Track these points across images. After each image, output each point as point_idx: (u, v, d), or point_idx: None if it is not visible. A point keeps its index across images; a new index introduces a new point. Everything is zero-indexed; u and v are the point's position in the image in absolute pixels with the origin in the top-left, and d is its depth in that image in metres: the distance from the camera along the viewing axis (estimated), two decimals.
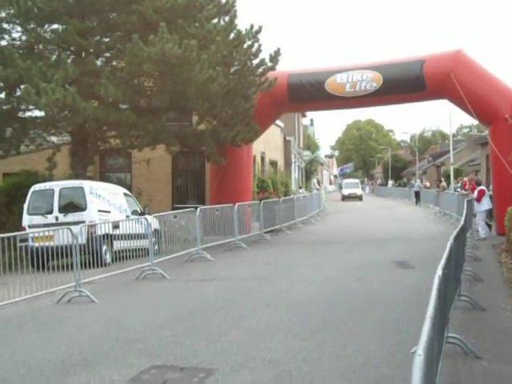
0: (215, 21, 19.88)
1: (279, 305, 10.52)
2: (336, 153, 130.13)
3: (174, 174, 27.02)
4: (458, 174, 44.15)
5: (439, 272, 5.17)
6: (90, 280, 12.60)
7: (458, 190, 31.35)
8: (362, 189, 71.82)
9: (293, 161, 45.59)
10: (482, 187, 20.94)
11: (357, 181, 71.96)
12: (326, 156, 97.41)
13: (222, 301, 11.06)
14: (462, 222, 10.84)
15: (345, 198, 59.52)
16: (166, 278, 13.84)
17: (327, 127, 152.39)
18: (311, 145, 61.06)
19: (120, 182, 24.15)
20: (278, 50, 20.77)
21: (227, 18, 20.00)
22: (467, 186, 23.74)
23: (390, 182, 73.84)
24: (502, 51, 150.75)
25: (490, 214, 20.83)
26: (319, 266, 15.13)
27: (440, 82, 21.04)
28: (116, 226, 15.08)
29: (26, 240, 11.36)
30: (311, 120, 71.42)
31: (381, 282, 12.40)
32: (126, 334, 8.81)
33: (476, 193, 20.46)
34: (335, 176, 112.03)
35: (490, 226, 20.62)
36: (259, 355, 7.40)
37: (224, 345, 7.96)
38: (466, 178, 28.00)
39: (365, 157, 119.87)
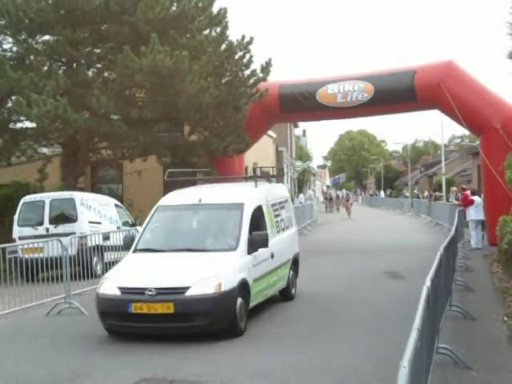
0: (207, 32, 19.86)
1: (268, 315, 10.48)
2: (329, 163, 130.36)
3: (165, 185, 26.89)
4: (450, 184, 44.25)
5: (428, 283, 5.16)
6: (80, 292, 12.55)
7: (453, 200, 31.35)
8: (356, 200, 71.41)
9: (285, 171, 45.59)
10: (474, 197, 20.96)
11: (346, 192, 71.66)
12: (318, 166, 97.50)
13: None
14: (452, 233, 10.85)
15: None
16: None
17: (320, 137, 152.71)
18: (303, 155, 61.08)
19: (111, 193, 24.05)
20: (270, 60, 20.79)
21: (218, 29, 20.01)
22: (455, 195, 23.80)
23: (382, 193, 73.91)
24: (492, 62, 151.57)
25: (482, 224, 20.86)
26: (310, 277, 15.06)
27: (431, 92, 21.09)
28: (106, 237, 15.01)
29: (15, 252, 11.28)
30: (304, 131, 71.65)
31: (371, 292, 12.39)
32: (116, 346, 8.76)
33: (462, 197, 20.62)
34: (328, 186, 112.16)
35: (482, 237, 20.67)
36: (248, 367, 7.37)
37: (213, 357, 7.92)
38: (455, 188, 28.04)
39: (357, 167, 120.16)
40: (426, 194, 45.18)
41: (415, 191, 53.50)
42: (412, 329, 3.68)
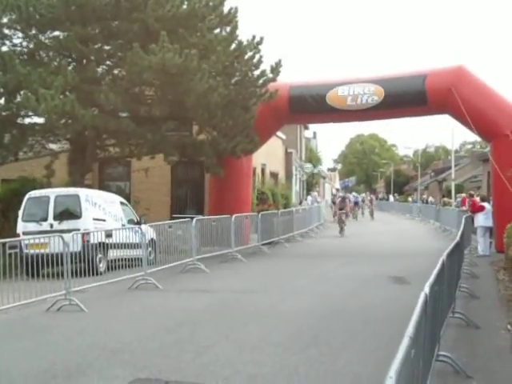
0: (217, 31, 19.83)
1: (270, 318, 10.38)
2: (339, 166, 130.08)
3: (173, 183, 26.89)
4: (460, 190, 44.02)
5: (426, 289, 5.03)
6: (81, 288, 12.46)
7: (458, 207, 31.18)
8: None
9: (294, 173, 45.48)
10: (484, 203, 20.79)
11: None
12: (328, 169, 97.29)
13: (213, 312, 10.94)
14: (457, 239, 10.70)
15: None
16: (158, 288, 13.70)
17: (330, 140, 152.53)
18: (313, 158, 60.93)
19: (119, 191, 24.05)
20: (279, 61, 20.69)
21: (228, 29, 19.94)
22: (466, 203, 23.59)
23: (392, 197, 73.62)
24: (503, 67, 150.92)
25: (490, 230, 20.69)
26: (314, 280, 14.99)
27: (441, 97, 20.95)
28: (109, 234, 14.95)
29: (15, 247, 11.23)
30: (314, 133, 71.24)
31: (375, 297, 12.26)
32: (113, 344, 8.68)
33: (470, 203, 20.53)
34: (337, 189, 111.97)
35: (490, 243, 20.50)
36: (245, 369, 7.27)
37: (211, 358, 7.82)
38: (464, 195, 27.82)
39: (367, 171, 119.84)
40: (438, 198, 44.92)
41: (424, 196, 53.23)
42: (404, 336, 3.58)
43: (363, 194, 61.64)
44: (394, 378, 2.83)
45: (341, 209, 32.35)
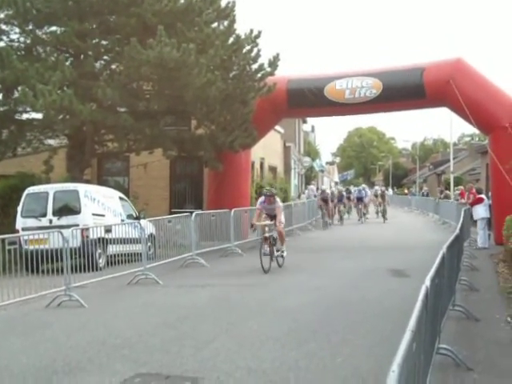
0: (214, 25, 19.77)
1: (270, 312, 10.38)
2: (337, 159, 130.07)
3: (171, 178, 26.88)
4: (459, 182, 43.98)
5: (427, 282, 5.03)
6: (81, 284, 12.47)
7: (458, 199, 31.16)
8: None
9: (292, 167, 45.46)
10: (481, 195, 20.80)
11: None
12: (327, 163, 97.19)
13: (213, 307, 10.94)
14: (457, 231, 10.70)
15: None
16: (158, 283, 13.71)
17: (329, 134, 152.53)
18: (311, 152, 60.89)
19: (118, 186, 24.01)
20: (277, 55, 20.66)
21: (226, 23, 19.91)
22: (465, 196, 23.55)
23: (390, 190, 73.61)
24: (502, 59, 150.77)
25: (488, 223, 20.70)
26: (314, 273, 14.99)
27: (440, 89, 20.92)
28: (108, 229, 14.94)
29: (15, 243, 11.22)
30: (312, 126, 71.26)
31: (375, 290, 12.25)
32: (113, 339, 8.68)
33: (471, 197, 20.55)
34: (336, 183, 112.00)
35: (489, 236, 20.51)
36: (246, 364, 7.27)
37: (211, 352, 7.82)
38: (462, 187, 27.77)
39: (366, 164, 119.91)
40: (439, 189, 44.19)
41: (426, 188, 52.94)
42: (406, 330, 3.57)
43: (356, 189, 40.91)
44: (397, 371, 2.83)
45: (324, 201, 30.78)
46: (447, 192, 38.58)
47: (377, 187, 47.07)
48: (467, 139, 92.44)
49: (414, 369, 3.83)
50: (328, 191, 34.15)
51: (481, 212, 20.05)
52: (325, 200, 31.31)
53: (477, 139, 70.13)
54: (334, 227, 31.19)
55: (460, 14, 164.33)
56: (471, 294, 11.61)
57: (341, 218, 33.46)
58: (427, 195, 47.37)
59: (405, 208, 51.76)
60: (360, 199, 35.46)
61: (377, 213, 36.41)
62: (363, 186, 39.54)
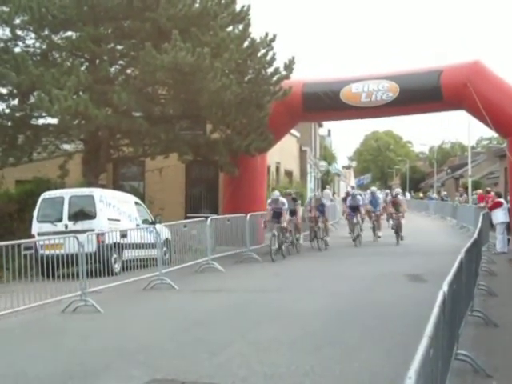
0: (229, 29, 19.78)
1: (285, 317, 10.29)
2: (354, 163, 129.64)
3: (187, 183, 26.86)
4: (477, 186, 43.64)
5: (445, 288, 4.93)
6: (97, 289, 12.44)
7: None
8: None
9: (308, 171, 45.31)
10: (500, 199, 20.58)
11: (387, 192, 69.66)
12: (343, 167, 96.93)
13: (228, 312, 10.87)
14: (475, 236, 10.56)
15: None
16: (174, 288, 13.65)
17: (345, 138, 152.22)
18: (328, 156, 60.71)
19: (133, 191, 24.02)
20: (293, 58, 20.58)
21: (241, 27, 19.89)
22: (484, 200, 23.33)
23: (408, 194, 73.12)
24: None
25: (507, 227, 20.47)
26: (330, 278, 14.88)
27: (457, 92, 20.75)
28: (124, 234, 14.93)
29: (30, 248, 11.24)
30: (328, 130, 71.02)
31: (392, 295, 12.12)
32: (129, 345, 8.64)
33: (490, 201, 20.35)
34: (352, 187, 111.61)
35: (508, 240, 20.28)
36: (261, 369, 7.19)
37: (227, 358, 7.75)
38: (480, 191, 27.51)
39: (383, 168, 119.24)
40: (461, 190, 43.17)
41: (445, 192, 52.38)
42: (423, 336, 3.48)
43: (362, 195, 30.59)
44: (414, 378, 2.75)
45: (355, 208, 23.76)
46: (466, 196, 38.30)
47: (387, 190, 39.19)
48: (485, 142, 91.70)
49: (432, 375, 3.74)
50: (359, 197, 25.77)
51: (500, 216, 19.83)
52: (355, 208, 24.26)
53: (495, 142, 69.48)
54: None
55: (477, 17, 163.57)
56: (490, 299, 11.45)
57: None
58: (446, 199, 47.02)
59: (422, 212, 51.37)
60: (354, 208, 24.28)
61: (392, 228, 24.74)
62: (373, 188, 29.50)
